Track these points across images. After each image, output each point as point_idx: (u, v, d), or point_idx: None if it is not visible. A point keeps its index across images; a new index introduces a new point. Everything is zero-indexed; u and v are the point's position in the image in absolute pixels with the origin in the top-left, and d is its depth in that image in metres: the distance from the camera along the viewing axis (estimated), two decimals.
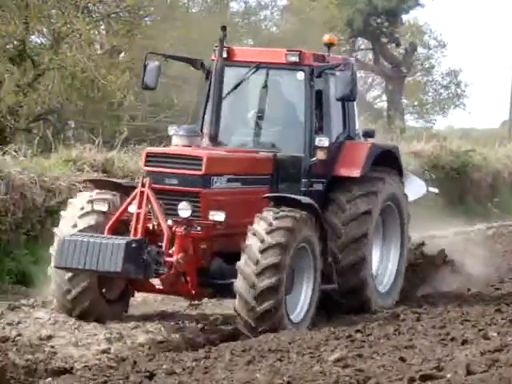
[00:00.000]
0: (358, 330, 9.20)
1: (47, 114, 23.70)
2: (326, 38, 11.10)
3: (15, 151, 15.74)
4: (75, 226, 9.31)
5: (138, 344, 8.87)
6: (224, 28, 10.48)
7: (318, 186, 10.69)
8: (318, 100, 10.70)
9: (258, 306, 8.83)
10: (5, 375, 6.60)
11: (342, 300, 10.49)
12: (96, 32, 24.55)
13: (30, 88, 22.09)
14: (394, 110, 39.42)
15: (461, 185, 27.65)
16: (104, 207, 9.31)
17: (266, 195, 9.75)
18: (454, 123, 51.25)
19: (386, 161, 11.33)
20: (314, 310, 9.79)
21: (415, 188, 12.87)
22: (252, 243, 8.96)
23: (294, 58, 10.32)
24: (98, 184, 10.26)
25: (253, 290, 8.81)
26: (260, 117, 10.98)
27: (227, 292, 9.47)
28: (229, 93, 10.76)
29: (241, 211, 9.67)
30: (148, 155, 9.84)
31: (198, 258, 9.52)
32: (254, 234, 9.00)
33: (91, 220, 9.34)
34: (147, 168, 9.70)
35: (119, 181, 10.94)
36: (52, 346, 8.23)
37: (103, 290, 9.66)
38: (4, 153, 15.44)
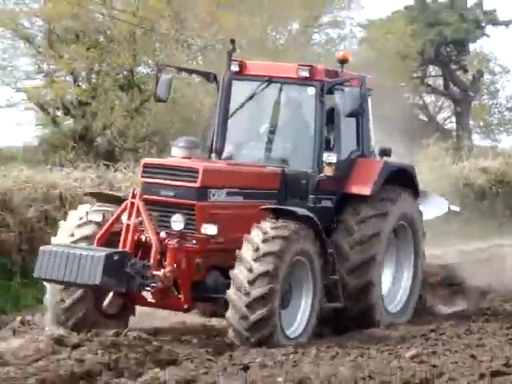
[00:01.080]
0: (432, 330, 9.54)
1: (152, 136, 25.48)
2: (340, 54, 10.40)
3: (124, 168, 17.40)
4: (72, 235, 8.93)
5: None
6: (232, 41, 10.14)
7: (327, 203, 10.15)
8: (329, 116, 10.16)
9: (250, 315, 8.26)
10: (118, 366, 6.83)
11: (351, 323, 9.96)
12: (194, 62, 25.98)
13: (137, 112, 24.25)
14: (463, 130, 40.45)
15: None
16: (99, 218, 8.84)
17: (262, 207, 9.10)
18: None
19: (402, 180, 10.66)
20: (312, 326, 9.19)
21: (436, 206, 12.57)
22: (246, 251, 8.47)
23: (305, 73, 9.81)
24: (98, 197, 9.93)
25: (245, 298, 8.28)
26: (271, 131, 10.40)
27: (222, 306, 8.91)
28: (240, 107, 10.37)
29: (241, 226, 8.85)
30: (145, 166, 9.38)
31: (192, 272, 8.88)
32: (249, 242, 8.49)
33: (87, 230, 8.89)
34: (143, 179, 9.24)
35: (118, 194, 10.36)
36: (158, 340, 8.15)
37: (102, 303, 8.81)
38: (115, 170, 17.14)
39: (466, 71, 41.85)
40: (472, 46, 42.82)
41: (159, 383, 6.50)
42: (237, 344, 8.43)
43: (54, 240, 9.14)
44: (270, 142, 10.41)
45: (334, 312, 9.81)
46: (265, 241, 8.39)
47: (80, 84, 25.43)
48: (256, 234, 8.52)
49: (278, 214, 9.01)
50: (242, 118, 10.56)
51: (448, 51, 41.05)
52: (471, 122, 44.42)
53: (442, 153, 26.67)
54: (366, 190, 9.95)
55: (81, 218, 9.07)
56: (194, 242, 8.90)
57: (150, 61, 25.53)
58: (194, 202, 8.87)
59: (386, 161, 10.60)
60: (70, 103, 24.73)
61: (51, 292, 8.99)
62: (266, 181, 9.86)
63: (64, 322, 8.84)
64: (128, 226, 8.54)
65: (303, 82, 9.96)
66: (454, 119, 44.80)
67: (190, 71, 11.75)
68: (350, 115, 9.76)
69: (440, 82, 43.45)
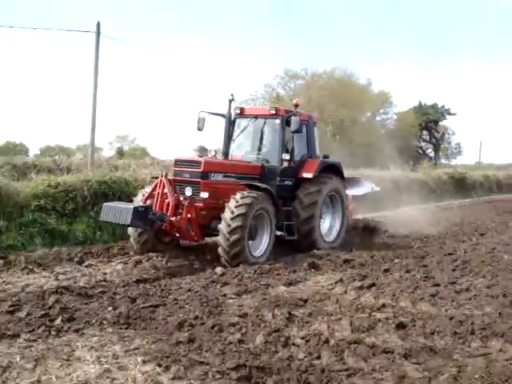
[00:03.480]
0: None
1: None
2: (294, 101, 15.53)
3: None
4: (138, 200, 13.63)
5: None
6: (232, 94, 15.66)
7: (288, 183, 15.30)
8: (292, 135, 15.40)
9: (230, 251, 12.59)
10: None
11: (304, 248, 15.00)
12: None
13: None
14: (436, 156, 71.06)
15: None
16: (149, 189, 13.71)
17: (242, 183, 13.93)
18: None
19: (333, 171, 16.30)
20: (270, 249, 13.73)
21: (364, 187, 18.79)
22: (226, 213, 12.72)
23: (273, 111, 15.19)
24: (154, 178, 14.24)
25: (227, 242, 12.58)
26: (259, 145, 15.81)
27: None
28: (241, 132, 15.91)
29: (228, 194, 13.22)
30: (176, 160, 13.90)
31: (199, 219, 13.26)
32: (228, 208, 12.78)
33: (141, 197, 13.75)
34: (174, 168, 13.83)
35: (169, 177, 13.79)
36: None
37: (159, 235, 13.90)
38: None
39: (438, 132, 73.69)
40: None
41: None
42: (221, 256, 12.79)
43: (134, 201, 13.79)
44: (258, 150, 15.80)
45: (293, 243, 15.07)
46: (237, 206, 12.78)
47: None
48: (232, 202, 12.90)
49: (250, 187, 13.73)
50: (243, 139, 16.11)
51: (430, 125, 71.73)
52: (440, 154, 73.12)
53: (428, 165, 48.99)
54: (310, 175, 15.39)
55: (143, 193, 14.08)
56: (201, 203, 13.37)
57: None
58: (199, 180, 13.37)
59: (322, 160, 16.07)
60: None
61: (132, 236, 13.91)
62: (251, 170, 14.87)
63: (136, 245, 13.88)
64: (158, 193, 13.16)
65: (273, 116, 15.30)
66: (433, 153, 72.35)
67: (215, 114, 15.90)
68: (294, 132, 14.82)
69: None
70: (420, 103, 71.57)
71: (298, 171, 15.59)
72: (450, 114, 72.91)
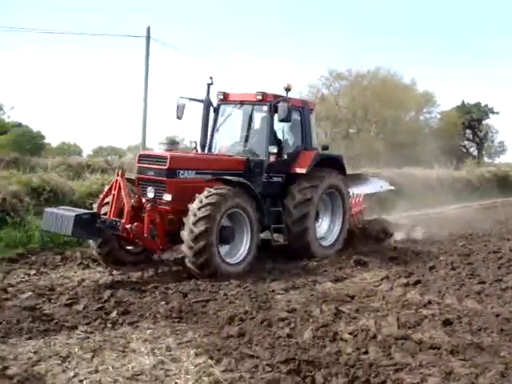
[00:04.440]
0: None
1: None
2: (286, 85, 12.95)
3: None
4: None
5: None
6: (210, 78, 13.50)
7: (278, 179, 13.13)
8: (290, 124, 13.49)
9: (197, 261, 10.58)
10: None
11: (295, 254, 13.08)
12: None
13: None
14: (480, 155, 68.76)
15: None
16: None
17: (209, 179, 11.71)
18: None
19: (332, 164, 14.09)
20: (252, 255, 11.68)
21: (375, 185, 17.14)
22: (189, 217, 10.65)
23: (259, 97, 12.85)
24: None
25: (191, 250, 10.56)
26: (245, 135, 13.72)
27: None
28: (225, 120, 13.76)
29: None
30: (139, 156, 12.01)
31: (165, 225, 11.35)
32: (190, 210, 10.71)
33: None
34: (138, 164, 11.87)
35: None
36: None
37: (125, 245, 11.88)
38: None
39: (481, 131, 71.87)
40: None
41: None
42: (189, 267, 10.84)
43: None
44: (245, 141, 13.68)
45: (284, 247, 13.15)
46: (200, 208, 10.68)
47: None
48: (195, 204, 10.77)
49: (224, 182, 11.56)
50: (228, 127, 13.89)
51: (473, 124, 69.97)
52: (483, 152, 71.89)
53: (472, 164, 48.12)
54: (303, 170, 13.19)
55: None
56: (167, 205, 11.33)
57: None
58: (165, 179, 11.31)
59: (317, 152, 13.85)
60: None
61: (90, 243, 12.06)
62: (233, 165, 12.65)
63: (98, 257, 11.90)
64: (113, 195, 10.98)
65: (260, 102, 13.06)
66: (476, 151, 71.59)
67: (195, 100, 13.76)
68: (282, 121, 12.62)
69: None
70: (463, 102, 70.48)
71: (291, 165, 13.39)
72: (493, 112, 71.21)
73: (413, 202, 22.91)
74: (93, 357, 6.67)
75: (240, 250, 11.61)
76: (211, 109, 13.68)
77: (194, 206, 10.72)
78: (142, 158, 11.91)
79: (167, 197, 11.16)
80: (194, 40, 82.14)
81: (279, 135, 13.53)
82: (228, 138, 14.01)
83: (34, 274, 11.09)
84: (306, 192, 13.03)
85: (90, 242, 11.94)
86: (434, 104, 62.57)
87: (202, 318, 8.28)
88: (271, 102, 12.80)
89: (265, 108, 13.09)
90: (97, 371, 6.25)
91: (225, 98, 13.75)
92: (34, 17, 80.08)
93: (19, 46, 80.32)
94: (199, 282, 10.36)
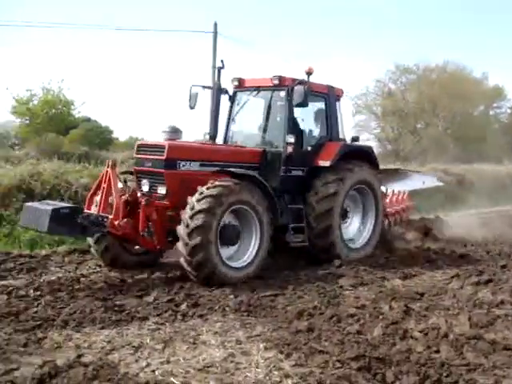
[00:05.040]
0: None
1: None
2: (307, 68, 11.70)
3: None
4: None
5: None
6: (221, 61, 12.26)
7: (298, 173, 11.93)
8: (315, 113, 12.77)
9: (192, 259, 9.40)
10: None
11: (318, 255, 11.91)
12: None
13: None
14: None
15: None
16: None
17: (216, 170, 10.66)
18: None
19: (363, 157, 12.80)
20: (260, 259, 10.36)
21: (413, 182, 15.73)
22: (186, 210, 9.57)
23: (276, 81, 11.73)
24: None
25: (186, 247, 9.41)
26: (263, 125, 12.57)
27: None
28: (241, 108, 12.69)
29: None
30: (138, 146, 10.80)
31: (162, 222, 10.23)
32: (188, 203, 9.64)
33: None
34: (136, 155, 10.77)
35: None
36: None
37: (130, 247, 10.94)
38: None
39: None
40: None
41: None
42: (184, 268, 9.76)
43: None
44: (263, 131, 12.52)
45: (307, 248, 11.83)
46: (199, 200, 9.59)
47: None
48: (195, 196, 9.68)
49: (228, 174, 10.47)
50: (244, 116, 12.81)
51: None
52: None
53: None
54: (327, 163, 12.01)
55: None
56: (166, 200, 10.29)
57: None
58: (163, 170, 10.24)
59: (343, 143, 12.66)
60: None
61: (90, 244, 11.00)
62: (246, 157, 11.60)
63: (97, 255, 11.05)
64: (103, 189, 10.03)
65: (277, 87, 11.90)
66: None
67: (209, 87, 12.98)
68: (297, 106, 11.49)
69: None
70: None
71: (313, 158, 12.19)
72: None
73: (482, 198, 22.35)
74: (164, 348, 6.76)
75: (247, 253, 10.38)
76: (222, 97, 12.61)
77: (193, 199, 9.68)
78: (140, 148, 10.79)
79: (162, 190, 10.25)
80: (259, 34, 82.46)
81: (301, 125, 12.38)
82: (244, 129, 13.06)
83: (105, 266, 11.20)
84: (330, 186, 11.87)
85: (88, 238, 10.87)
86: (504, 98, 60.83)
87: (270, 312, 8.28)
88: (289, 87, 11.64)
89: (282, 93, 11.94)
90: (168, 362, 6.32)
91: (240, 85, 12.68)
92: (104, 14, 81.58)
93: (89, 43, 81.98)
94: (268, 277, 10.42)
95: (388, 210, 14.57)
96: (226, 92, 12.67)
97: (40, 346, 6.73)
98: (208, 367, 6.19)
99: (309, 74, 11.65)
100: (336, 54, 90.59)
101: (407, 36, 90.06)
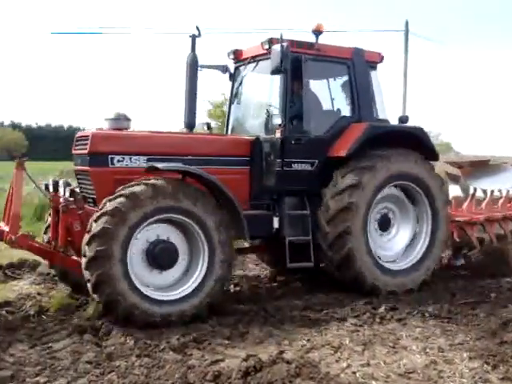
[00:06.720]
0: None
1: None
2: (314, 26, 9.01)
3: None
4: None
5: None
6: (197, 27, 8.93)
7: (304, 166, 8.92)
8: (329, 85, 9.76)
9: (99, 296, 6.90)
10: None
11: (336, 273, 8.97)
12: None
13: None
14: None
15: None
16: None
17: (148, 165, 7.64)
18: None
19: (413, 144, 9.34)
20: (206, 292, 7.45)
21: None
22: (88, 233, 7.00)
23: (266, 46, 8.81)
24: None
25: (89, 284, 6.95)
26: (261, 105, 9.81)
27: None
28: (239, 87, 10.09)
29: None
30: (76, 138, 8.34)
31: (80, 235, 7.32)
32: (103, 202, 7.21)
33: None
34: (73, 151, 8.42)
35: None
36: None
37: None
38: None
39: None
40: None
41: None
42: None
43: None
44: (258, 114, 9.73)
45: (322, 267, 9.21)
46: (97, 218, 6.97)
47: None
48: (99, 211, 7.12)
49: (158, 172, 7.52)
50: (242, 98, 10.22)
51: None
52: None
53: None
54: (343, 152, 8.92)
55: None
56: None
57: None
58: (87, 168, 7.84)
59: (370, 124, 9.20)
60: None
61: None
62: (228, 148, 8.85)
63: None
64: (10, 194, 7.91)
65: (269, 54, 8.59)
66: None
67: (209, 66, 9.94)
68: (273, 73, 8.52)
69: None
70: None
71: (329, 146, 9.15)
72: None
73: None
74: (364, 350, 6.67)
75: (188, 281, 7.54)
76: (197, 72, 9.12)
77: (94, 215, 7.13)
78: (77, 140, 8.34)
79: (92, 193, 7.99)
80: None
81: (308, 102, 8.93)
82: (242, 112, 10.35)
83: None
84: (351, 175, 8.80)
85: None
86: None
87: (471, 320, 7.88)
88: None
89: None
90: (368, 364, 6.23)
91: (237, 58, 9.99)
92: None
93: None
94: (467, 283, 9.99)
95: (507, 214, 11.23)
96: (227, 70, 10.17)
97: (243, 340, 6.95)
98: (409, 373, 6.00)
99: (317, 32, 9.09)
100: None
101: None
